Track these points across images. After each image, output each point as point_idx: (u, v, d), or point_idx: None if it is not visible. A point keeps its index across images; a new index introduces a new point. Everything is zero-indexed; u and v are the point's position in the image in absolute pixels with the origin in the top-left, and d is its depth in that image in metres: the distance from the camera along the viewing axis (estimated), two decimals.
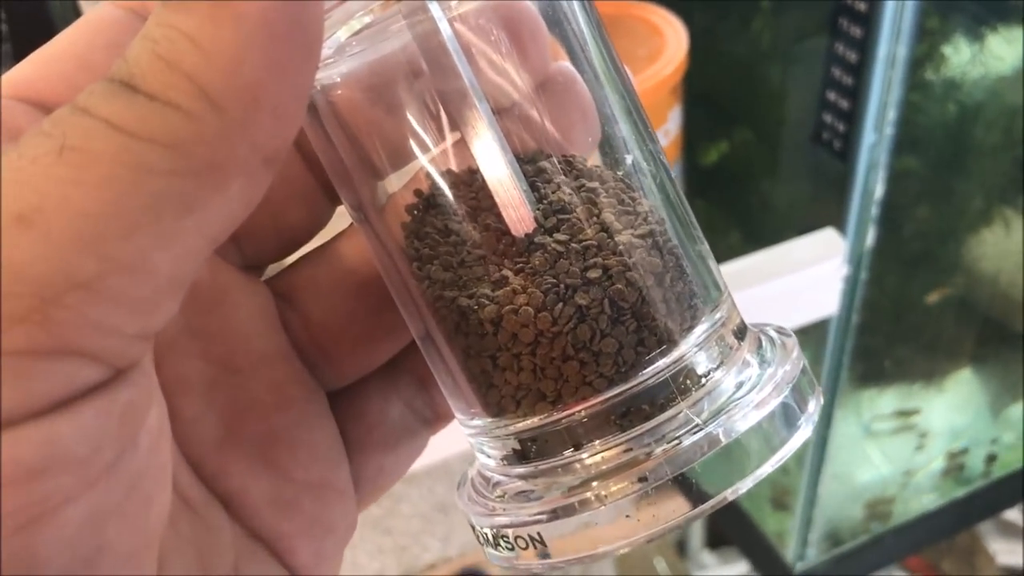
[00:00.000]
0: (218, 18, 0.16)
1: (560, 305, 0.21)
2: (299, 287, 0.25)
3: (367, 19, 0.21)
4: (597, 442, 0.22)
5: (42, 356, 0.15)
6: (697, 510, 0.21)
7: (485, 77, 0.22)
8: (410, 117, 0.22)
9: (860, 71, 0.68)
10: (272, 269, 0.25)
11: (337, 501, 0.24)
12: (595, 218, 0.22)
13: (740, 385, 0.22)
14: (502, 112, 0.22)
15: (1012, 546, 1.19)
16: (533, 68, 0.22)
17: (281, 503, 0.23)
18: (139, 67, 0.16)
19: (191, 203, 0.16)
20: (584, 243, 0.21)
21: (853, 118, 0.70)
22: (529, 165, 0.22)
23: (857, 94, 0.69)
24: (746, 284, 0.70)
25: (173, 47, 0.16)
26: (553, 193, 0.22)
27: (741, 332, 0.23)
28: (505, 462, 0.23)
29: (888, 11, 0.64)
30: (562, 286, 0.21)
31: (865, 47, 0.67)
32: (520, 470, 0.23)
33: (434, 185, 0.23)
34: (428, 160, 0.22)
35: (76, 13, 0.64)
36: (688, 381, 0.22)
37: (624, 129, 0.23)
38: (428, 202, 0.23)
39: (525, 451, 0.22)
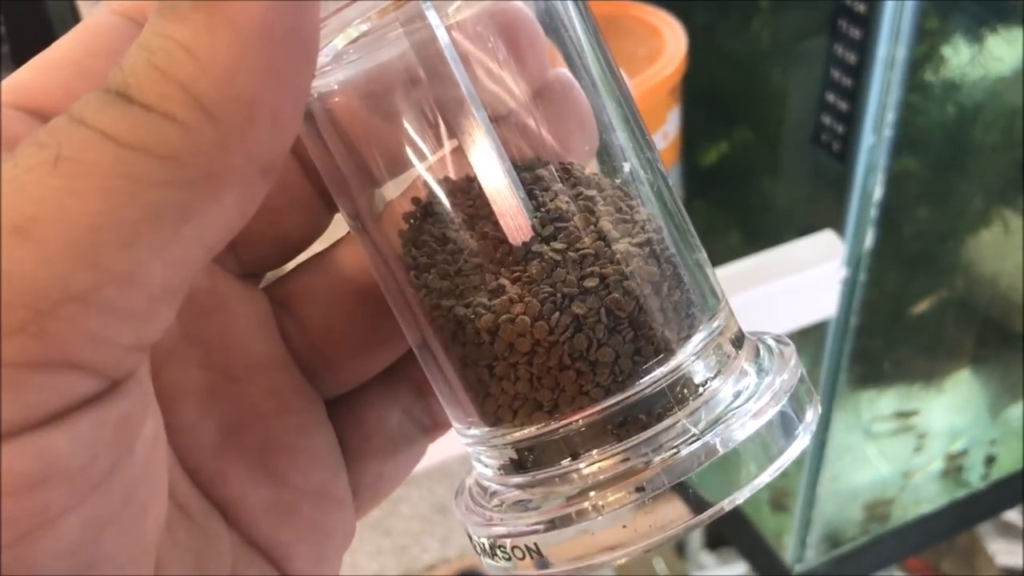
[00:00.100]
0: (213, 27, 0.16)
1: (557, 314, 0.21)
2: (297, 295, 0.25)
3: (364, 27, 0.21)
4: (594, 452, 0.22)
5: (37, 368, 0.15)
6: (695, 520, 0.21)
7: (482, 85, 0.22)
8: (407, 125, 0.22)
9: (859, 72, 0.68)
10: (270, 277, 0.25)
11: (335, 508, 0.24)
12: (592, 226, 0.22)
13: (738, 394, 0.22)
14: (499, 120, 0.22)
15: (1011, 546, 1.19)
16: (531, 76, 0.22)
17: (279, 510, 0.23)
18: (135, 77, 0.16)
19: (187, 213, 0.16)
20: (581, 252, 0.21)
21: (852, 120, 0.70)
22: (527, 173, 0.22)
23: (856, 96, 0.69)
24: (745, 286, 0.70)
25: (168, 57, 0.16)
26: (551, 201, 0.22)
27: (739, 341, 0.23)
28: (502, 472, 0.23)
29: (887, 12, 0.64)
30: (559, 295, 0.21)
31: (864, 48, 0.67)
32: (517, 480, 0.23)
33: (431, 193, 0.22)
34: (425, 168, 0.22)
35: (74, 14, 0.64)
36: (685, 390, 0.22)
37: (622, 137, 0.23)
38: (425, 210, 0.23)
39: (522, 461, 0.22)
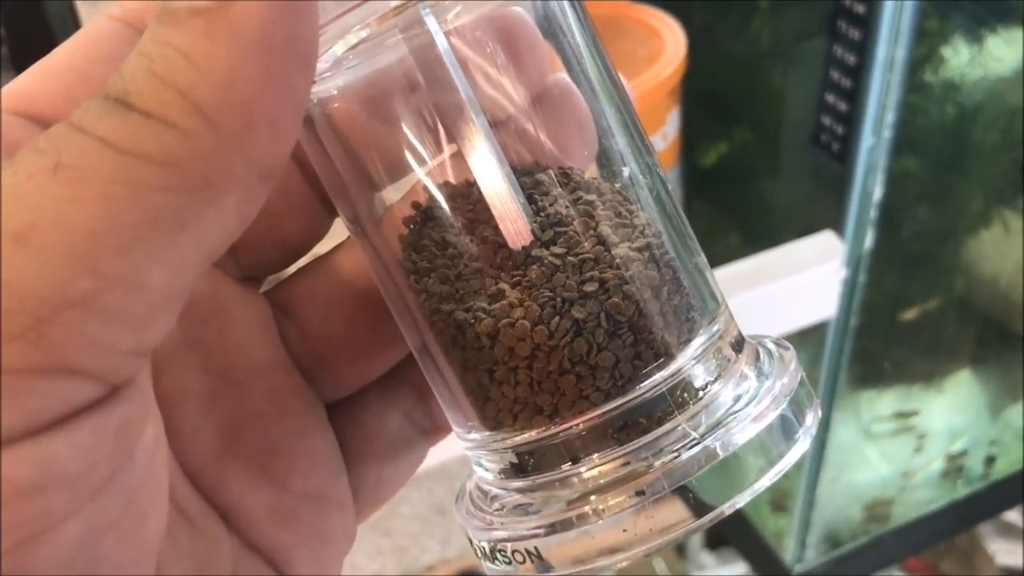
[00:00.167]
0: (212, 34, 0.16)
1: (557, 319, 0.21)
2: (297, 299, 0.25)
3: (364, 33, 0.21)
4: (595, 456, 0.22)
5: (37, 374, 0.15)
6: (695, 524, 0.21)
7: (482, 90, 0.22)
8: (407, 130, 0.22)
9: (859, 73, 0.68)
10: (270, 281, 0.25)
11: (336, 512, 0.24)
12: (592, 231, 0.22)
13: (738, 398, 0.22)
14: (499, 125, 0.22)
15: (1011, 546, 1.19)
16: (530, 81, 0.22)
17: (280, 514, 0.23)
18: (134, 84, 0.16)
19: (186, 219, 0.16)
20: (581, 256, 0.21)
21: (852, 120, 0.70)
22: (526, 178, 0.22)
23: (856, 96, 0.69)
24: (744, 287, 0.70)
25: (168, 64, 0.16)
26: (550, 206, 0.22)
27: (739, 344, 0.23)
28: (503, 476, 0.23)
29: (887, 13, 0.64)
30: (559, 299, 0.21)
31: (864, 49, 0.67)
32: (518, 484, 0.23)
33: (431, 198, 0.22)
34: (425, 173, 0.22)
35: (73, 16, 0.64)
36: (685, 394, 0.22)
37: (621, 142, 0.23)
38: (425, 215, 0.23)
39: (523, 465, 0.22)
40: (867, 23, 0.66)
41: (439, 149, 0.22)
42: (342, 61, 0.22)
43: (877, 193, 0.73)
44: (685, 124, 0.78)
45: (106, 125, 0.16)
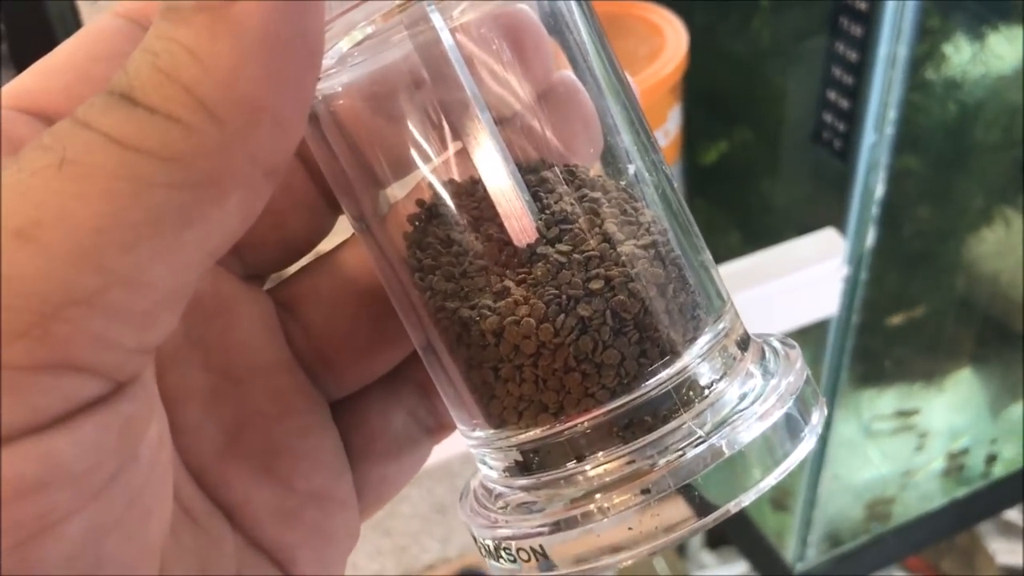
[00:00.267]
0: (217, 30, 0.16)
1: (562, 316, 0.21)
2: (301, 297, 0.25)
3: (369, 29, 0.21)
4: (600, 454, 0.22)
5: (42, 371, 0.15)
6: (700, 522, 0.21)
7: (487, 87, 0.22)
8: (412, 127, 0.22)
9: (860, 70, 0.68)
10: (274, 279, 0.25)
11: (339, 511, 0.24)
12: (597, 228, 0.22)
13: (743, 396, 0.22)
14: (504, 122, 0.22)
15: (1012, 545, 1.19)
16: (535, 78, 0.22)
17: (283, 513, 0.23)
18: (139, 80, 0.16)
19: (191, 216, 0.16)
20: (586, 254, 0.21)
21: (853, 117, 0.70)
22: (531, 175, 0.22)
23: (857, 93, 0.69)
24: (746, 284, 0.70)
25: (172, 60, 0.16)
26: (555, 203, 0.22)
27: (744, 342, 0.23)
28: (507, 474, 0.23)
29: (889, 10, 0.64)
30: (564, 297, 0.21)
31: (865, 46, 0.67)
32: (522, 482, 0.23)
33: (436, 195, 0.22)
34: (430, 170, 0.22)
35: (74, 13, 0.64)
36: (691, 392, 0.22)
37: (626, 139, 0.23)
38: (430, 212, 0.23)
39: (527, 463, 0.22)
40: (869, 20, 0.66)
41: (444, 146, 0.22)
42: (347, 58, 0.21)
43: (879, 191, 0.73)
44: (686, 122, 0.78)
45: (111, 120, 0.16)
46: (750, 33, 0.86)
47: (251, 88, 0.16)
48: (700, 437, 0.21)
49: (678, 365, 0.22)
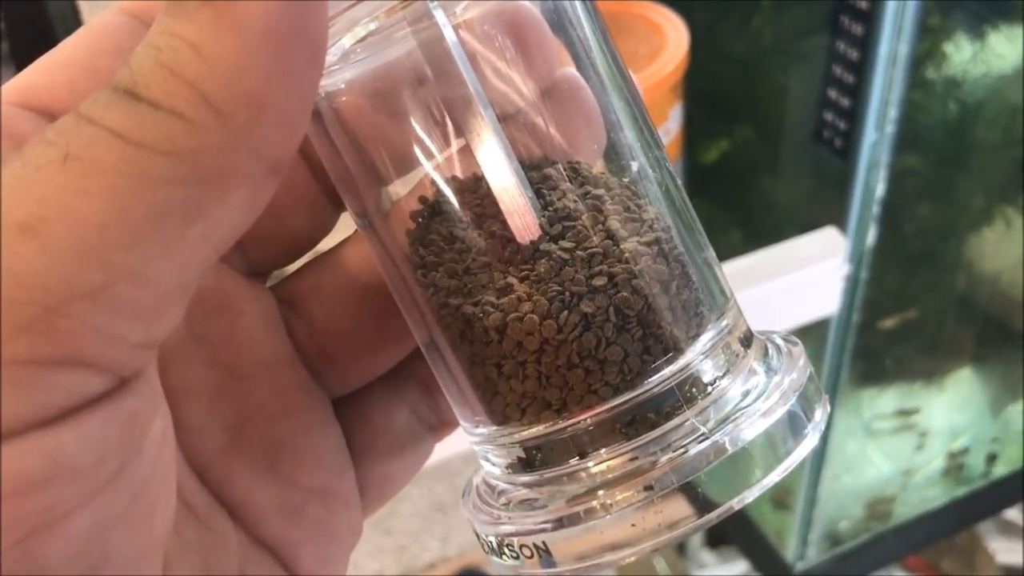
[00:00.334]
0: (221, 26, 0.16)
1: (565, 313, 0.21)
2: (303, 293, 0.25)
3: (372, 26, 0.21)
4: (603, 451, 0.22)
5: (46, 366, 0.15)
6: (703, 519, 0.21)
7: (490, 84, 0.22)
8: (415, 124, 0.22)
9: (861, 69, 0.68)
10: (276, 276, 0.25)
11: (342, 508, 0.24)
12: (600, 225, 0.22)
13: (746, 393, 0.22)
14: (507, 119, 0.22)
15: (1012, 545, 1.19)
16: (538, 74, 0.22)
17: (286, 510, 0.23)
18: (142, 75, 0.16)
19: (195, 212, 0.16)
20: (589, 251, 0.21)
21: (854, 116, 0.70)
22: (534, 172, 0.22)
23: (858, 92, 0.69)
24: (747, 283, 0.70)
25: (176, 55, 0.16)
26: (558, 200, 0.22)
27: (747, 340, 0.23)
28: (510, 470, 0.23)
29: (889, 9, 0.64)
30: (567, 294, 0.21)
31: (866, 45, 0.67)
32: (525, 478, 0.23)
33: (439, 192, 0.22)
34: (433, 167, 0.22)
35: (74, 12, 0.64)
36: (694, 389, 0.22)
37: (630, 136, 0.23)
38: (433, 209, 0.23)
39: (530, 459, 0.22)
40: (870, 19, 0.66)
41: (447, 143, 0.22)
42: (350, 54, 0.21)
43: (879, 189, 0.73)
44: (687, 121, 0.78)
45: (114, 116, 0.16)
46: (751, 32, 0.86)
47: (255, 84, 0.16)
48: (703, 434, 0.21)
49: (681, 362, 0.22)
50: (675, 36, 0.73)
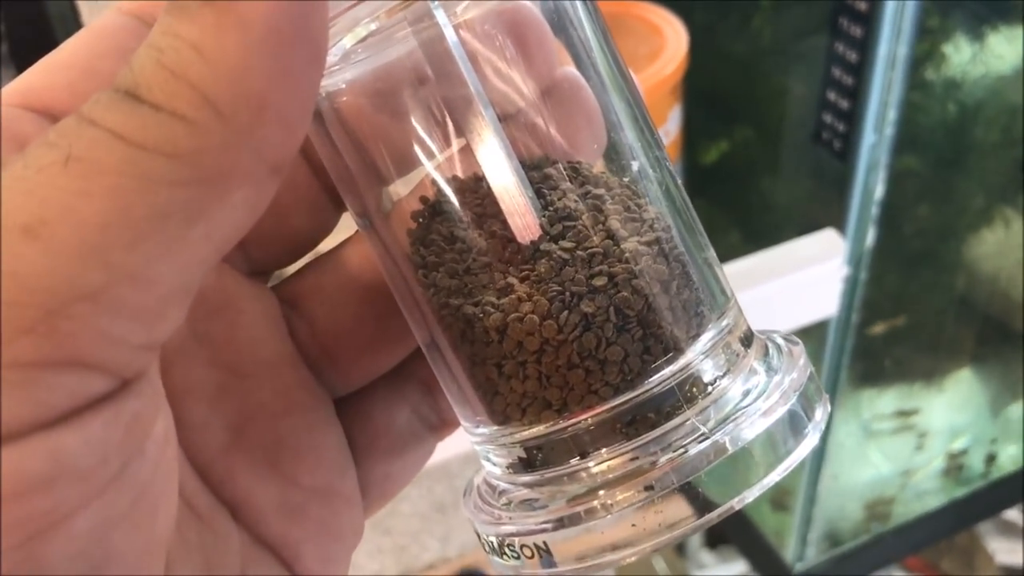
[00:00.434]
0: (222, 27, 0.16)
1: (566, 313, 0.21)
2: (305, 293, 0.25)
3: (373, 26, 0.21)
4: (603, 450, 0.22)
5: (48, 367, 0.15)
6: (704, 519, 0.21)
7: (491, 83, 0.22)
8: (415, 124, 0.22)
9: (860, 71, 0.68)
10: (278, 276, 0.25)
11: (344, 507, 0.24)
12: (601, 225, 0.22)
13: (747, 393, 0.22)
14: (508, 119, 0.22)
15: (1011, 545, 1.19)
16: (539, 74, 0.22)
17: (288, 509, 0.23)
18: (144, 77, 0.16)
19: (196, 213, 0.16)
20: (590, 250, 0.21)
21: (853, 118, 0.70)
22: (535, 172, 0.22)
23: (857, 94, 0.69)
24: (746, 284, 0.70)
25: (178, 56, 0.16)
26: (559, 200, 0.22)
27: (748, 339, 0.23)
28: (511, 470, 0.23)
29: (888, 10, 0.64)
30: (567, 294, 0.21)
31: (865, 47, 0.67)
32: (526, 478, 0.23)
33: (440, 192, 0.22)
34: (434, 167, 0.22)
35: (73, 12, 0.64)
36: (694, 389, 0.22)
37: (630, 135, 0.23)
38: (434, 209, 0.23)
39: (531, 459, 0.22)
40: (869, 20, 0.66)
41: (448, 143, 0.22)
42: (351, 54, 0.21)
43: (879, 191, 0.73)
44: (686, 122, 0.78)
45: (116, 117, 0.16)
46: (750, 33, 0.86)
47: (256, 85, 0.16)
48: (703, 434, 0.21)
49: (681, 362, 0.22)
50: (674, 38, 0.73)
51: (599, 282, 0.21)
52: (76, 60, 0.20)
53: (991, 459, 1.05)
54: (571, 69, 0.23)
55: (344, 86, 0.22)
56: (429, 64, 0.21)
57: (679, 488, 0.21)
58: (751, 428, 0.21)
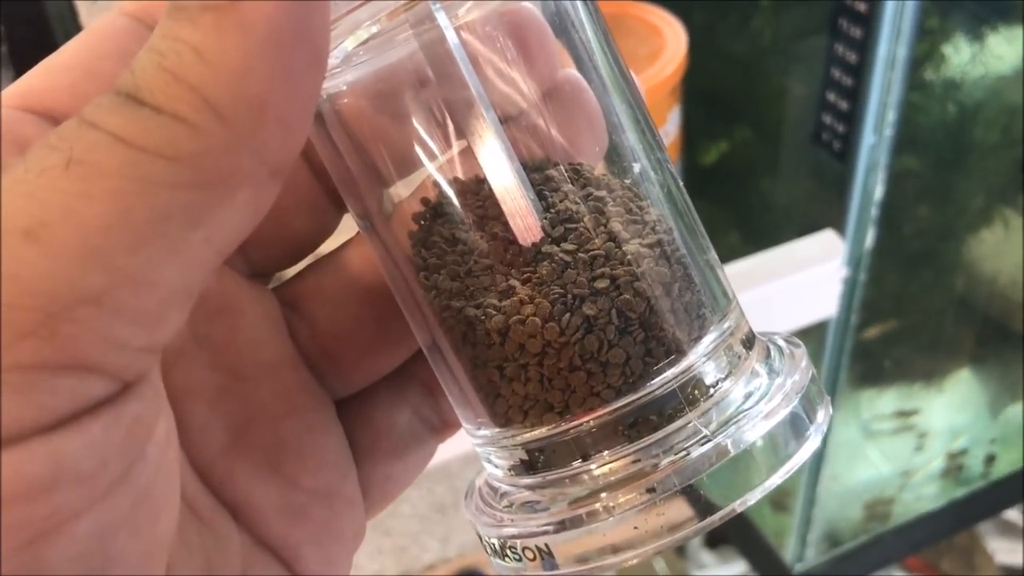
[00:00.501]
0: (223, 30, 0.16)
1: (567, 315, 0.21)
2: (306, 295, 0.25)
3: (374, 28, 0.21)
4: (605, 453, 0.22)
5: (49, 371, 0.15)
6: (705, 521, 0.21)
7: (492, 85, 0.22)
8: (417, 126, 0.22)
9: (860, 72, 0.68)
10: (279, 278, 0.25)
11: (345, 509, 0.24)
12: (602, 227, 0.22)
13: (749, 395, 0.22)
14: (509, 120, 0.22)
15: (1011, 545, 1.19)
16: (540, 76, 0.22)
17: (289, 511, 0.23)
18: (145, 80, 0.16)
19: (198, 215, 0.16)
20: (591, 253, 0.21)
21: (853, 119, 0.70)
22: (536, 174, 0.22)
23: (857, 95, 0.69)
24: (746, 285, 0.70)
25: (179, 59, 0.16)
26: (560, 202, 0.22)
27: (749, 341, 0.23)
28: (512, 472, 0.23)
29: (888, 11, 0.64)
30: (569, 296, 0.21)
31: (865, 48, 0.67)
32: (527, 480, 0.23)
33: (441, 194, 0.22)
34: (435, 169, 0.22)
35: (73, 13, 0.64)
36: (696, 391, 0.22)
37: (631, 137, 0.23)
38: (435, 211, 0.23)
39: (533, 461, 0.22)
40: (868, 21, 0.66)
41: (449, 145, 0.22)
42: (352, 57, 0.21)
43: (878, 192, 0.73)
44: (686, 123, 0.78)
45: (117, 120, 0.16)
46: (750, 33, 0.86)
47: (257, 87, 0.16)
48: (705, 436, 0.21)
49: (683, 364, 0.22)
50: (674, 38, 0.73)
51: (601, 284, 0.21)
52: (77, 62, 0.20)
53: (991, 459, 1.05)
54: (572, 71, 0.23)
55: (345, 88, 0.22)
56: (430, 66, 0.21)
57: (681, 490, 0.21)
58: (753, 430, 0.21)
